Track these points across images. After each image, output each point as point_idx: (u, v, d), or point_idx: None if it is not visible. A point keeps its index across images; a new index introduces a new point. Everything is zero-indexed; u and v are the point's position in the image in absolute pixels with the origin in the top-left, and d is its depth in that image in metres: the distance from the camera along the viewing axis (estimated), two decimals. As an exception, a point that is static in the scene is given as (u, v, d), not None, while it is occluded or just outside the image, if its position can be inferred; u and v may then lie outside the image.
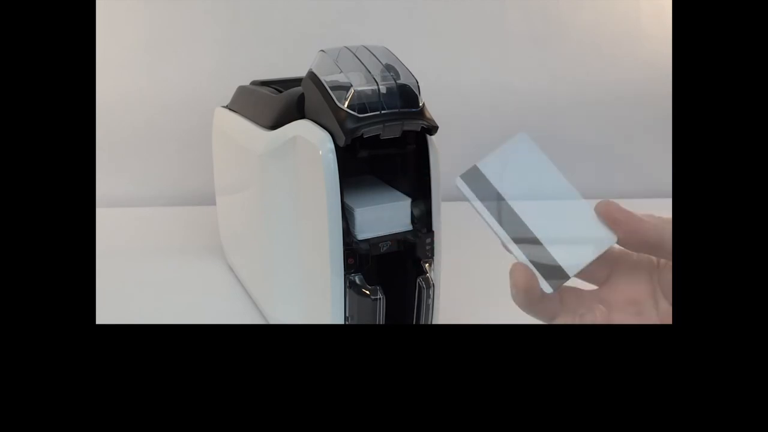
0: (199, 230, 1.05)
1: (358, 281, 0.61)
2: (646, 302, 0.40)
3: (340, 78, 0.61)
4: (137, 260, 0.96)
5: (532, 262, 0.39)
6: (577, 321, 0.38)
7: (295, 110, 0.66)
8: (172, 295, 0.85)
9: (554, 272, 0.38)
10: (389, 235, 0.62)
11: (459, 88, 1.18)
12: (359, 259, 0.61)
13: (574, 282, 0.40)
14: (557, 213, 0.40)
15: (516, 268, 0.39)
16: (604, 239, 0.39)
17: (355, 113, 0.58)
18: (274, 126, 0.69)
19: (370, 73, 0.61)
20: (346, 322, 0.62)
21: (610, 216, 0.39)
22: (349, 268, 0.60)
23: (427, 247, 0.62)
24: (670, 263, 0.40)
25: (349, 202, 0.61)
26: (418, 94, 0.60)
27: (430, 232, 0.63)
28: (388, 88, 0.60)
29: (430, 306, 0.63)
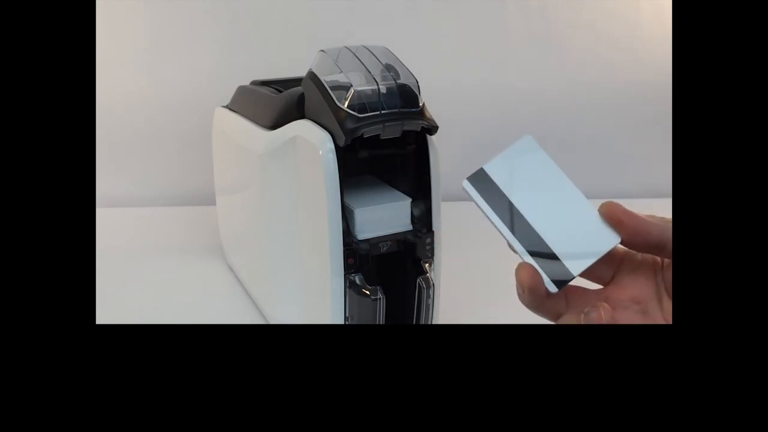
0: (199, 230, 1.05)
1: (358, 281, 0.61)
2: (650, 301, 0.41)
3: (340, 78, 0.61)
4: (137, 260, 0.96)
5: (537, 262, 0.39)
6: (582, 319, 0.39)
7: (295, 110, 0.66)
8: (172, 295, 0.85)
9: (559, 272, 0.39)
10: (389, 235, 0.62)
11: (459, 88, 1.18)
12: (359, 259, 0.61)
13: (580, 282, 0.41)
14: (562, 214, 0.40)
15: (522, 268, 0.39)
16: (608, 240, 0.40)
17: (355, 113, 0.58)
18: (274, 126, 0.69)
19: (370, 73, 0.61)
20: (346, 322, 0.62)
21: (614, 217, 0.40)
22: (349, 268, 0.60)
23: (427, 247, 0.62)
24: None
25: (349, 202, 0.61)
26: (418, 94, 0.60)
27: (430, 232, 0.63)
28: (388, 88, 0.60)
29: (430, 306, 0.63)
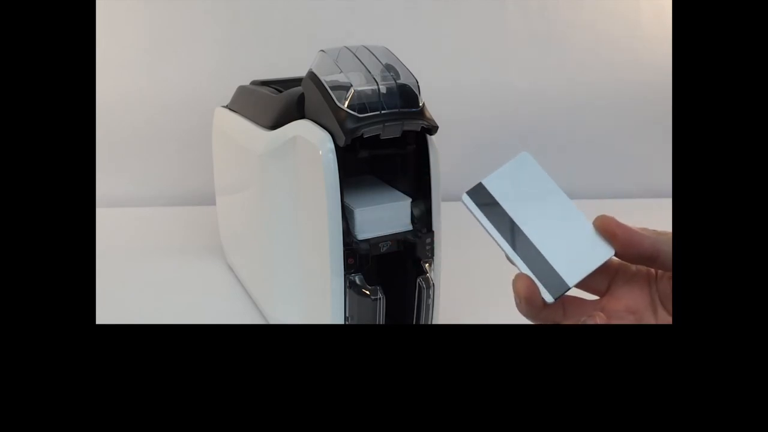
0: (199, 230, 1.05)
1: (358, 281, 0.61)
2: (645, 311, 0.42)
3: (340, 78, 0.61)
4: (137, 260, 0.96)
5: (534, 273, 0.41)
6: None
7: (295, 110, 0.66)
8: (172, 295, 0.85)
9: (555, 283, 0.41)
10: (389, 235, 0.62)
11: (459, 88, 1.18)
12: (359, 259, 0.61)
13: (576, 292, 0.42)
14: (558, 228, 0.42)
15: (519, 279, 0.41)
16: (603, 252, 0.41)
17: (355, 113, 0.58)
18: (274, 126, 0.69)
19: (370, 73, 0.61)
20: (346, 322, 0.62)
21: (608, 230, 0.41)
22: (349, 268, 0.60)
23: (427, 247, 0.62)
24: (668, 274, 0.41)
25: (349, 202, 0.62)
26: (418, 94, 0.60)
27: (430, 232, 0.63)
28: (388, 88, 0.60)
29: (430, 306, 0.63)
